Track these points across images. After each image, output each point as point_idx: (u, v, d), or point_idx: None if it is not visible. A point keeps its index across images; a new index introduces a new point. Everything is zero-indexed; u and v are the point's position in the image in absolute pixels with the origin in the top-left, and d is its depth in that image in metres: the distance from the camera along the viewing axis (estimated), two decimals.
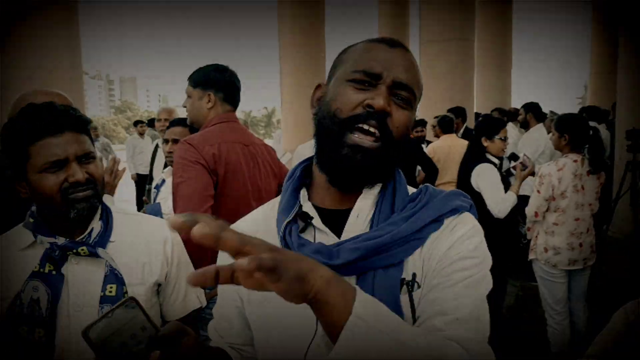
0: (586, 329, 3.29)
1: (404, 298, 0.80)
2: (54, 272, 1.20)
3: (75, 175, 1.17)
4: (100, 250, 1.22)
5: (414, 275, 0.80)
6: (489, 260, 0.86)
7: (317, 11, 9.73)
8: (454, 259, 0.81)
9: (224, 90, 2.19)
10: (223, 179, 2.05)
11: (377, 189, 0.90)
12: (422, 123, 6.70)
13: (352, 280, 0.82)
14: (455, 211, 0.86)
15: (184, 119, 2.83)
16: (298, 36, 9.43)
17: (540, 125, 5.82)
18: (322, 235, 0.87)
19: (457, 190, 0.92)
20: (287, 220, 0.87)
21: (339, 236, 0.86)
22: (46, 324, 1.16)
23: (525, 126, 5.83)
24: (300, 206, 0.90)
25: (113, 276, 1.21)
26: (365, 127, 0.82)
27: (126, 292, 1.21)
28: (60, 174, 1.18)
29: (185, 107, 2.26)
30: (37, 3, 4.39)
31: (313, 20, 9.62)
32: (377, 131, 0.82)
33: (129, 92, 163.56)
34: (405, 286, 0.80)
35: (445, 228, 0.85)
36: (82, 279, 1.21)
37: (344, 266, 0.79)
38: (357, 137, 0.82)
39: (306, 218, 0.87)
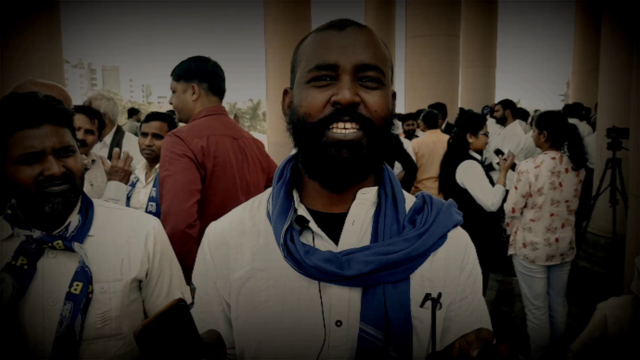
0: (565, 324, 3.35)
1: (422, 313, 0.81)
2: (25, 267, 1.18)
3: (51, 169, 1.15)
4: (75, 245, 1.20)
5: (440, 294, 0.77)
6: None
7: (302, 1, 9.68)
8: (467, 283, 0.88)
9: (208, 80, 2.16)
10: (211, 173, 2.02)
11: (372, 192, 0.86)
12: (413, 116, 6.72)
13: (357, 291, 0.80)
14: (455, 225, 0.87)
15: (162, 113, 2.80)
16: (283, 26, 9.36)
17: (517, 121, 5.94)
18: (319, 240, 0.83)
19: (452, 202, 0.91)
20: (287, 225, 0.82)
21: (334, 241, 0.83)
22: (6, 317, 1.14)
23: (502, 122, 5.93)
24: (295, 209, 0.86)
25: (82, 273, 1.18)
26: (341, 125, 0.77)
27: (91, 292, 1.18)
28: (36, 166, 1.15)
29: (171, 103, 2.22)
30: None
31: (299, 10, 9.57)
32: (354, 124, 0.77)
33: (111, 81, 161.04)
34: (429, 302, 0.78)
35: (447, 243, 0.86)
36: (57, 273, 1.20)
37: (354, 278, 0.77)
38: (338, 133, 0.77)
39: (302, 222, 0.83)
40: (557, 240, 3.12)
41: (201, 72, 2.15)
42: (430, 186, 4.73)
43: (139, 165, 2.80)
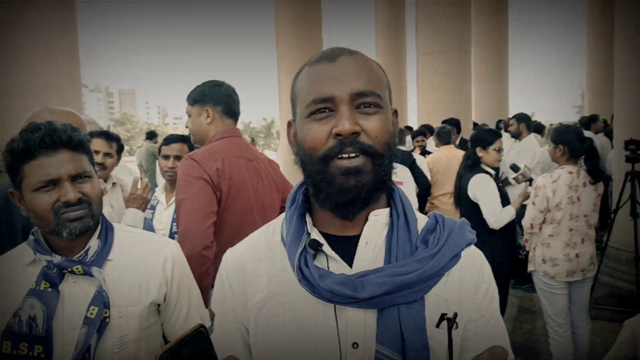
0: (589, 340, 3.26)
1: (439, 333, 0.81)
2: (49, 290, 1.20)
3: (67, 195, 1.18)
4: (94, 270, 1.21)
5: (456, 314, 0.77)
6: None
7: (314, 24, 9.80)
8: (484, 302, 0.89)
9: (222, 103, 2.19)
10: (227, 195, 2.04)
11: (383, 214, 0.87)
12: (423, 133, 6.72)
13: (372, 313, 0.81)
14: (468, 244, 0.87)
15: (181, 135, 2.84)
16: (295, 48, 9.48)
17: (532, 135, 5.87)
18: (333, 263, 0.84)
19: (465, 221, 0.91)
20: (300, 249, 0.83)
21: (348, 264, 0.84)
22: (44, 341, 1.17)
23: (516, 136, 5.87)
24: (308, 234, 0.87)
25: (100, 298, 1.20)
26: (344, 156, 0.79)
27: (108, 316, 1.19)
28: (53, 193, 1.18)
29: (187, 127, 2.26)
30: (35, 17, 4.41)
31: (310, 32, 9.69)
32: (357, 153, 0.79)
33: (128, 104, 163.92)
34: (445, 322, 0.78)
35: (460, 263, 0.86)
36: (77, 298, 1.21)
37: (368, 300, 0.78)
38: (344, 161, 0.79)
39: (316, 246, 0.84)
40: (577, 255, 3.06)
41: (215, 96, 2.18)
42: (445, 202, 4.69)
43: (158, 187, 2.84)
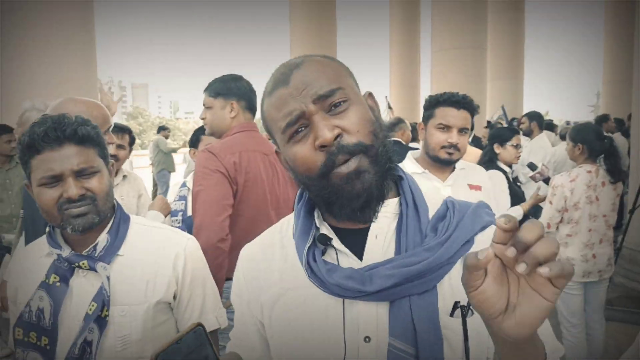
0: (603, 341, 3.23)
1: (453, 322, 0.78)
2: (58, 284, 1.19)
3: (68, 192, 1.15)
4: (98, 266, 1.19)
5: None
6: None
7: (328, 18, 9.78)
8: None
9: (245, 98, 2.21)
10: (243, 188, 2.05)
11: (392, 204, 0.86)
12: None
13: (384, 306, 0.80)
14: (484, 228, 0.84)
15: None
16: (309, 44, 9.46)
17: (543, 134, 5.84)
18: (343, 257, 0.84)
19: (482, 203, 0.88)
20: (308, 244, 0.83)
21: (358, 256, 0.83)
22: (50, 333, 1.17)
23: (528, 134, 5.83)
24: (317, 228, 0.86)
25: (100, 295, 1.18)
26: (343, 168, 0.77)
27: (107, 314, 1.17)
28: (57, 188, 1.16)
29: (203, 118, 2.26)
30: (53, 12, 4.44)
31: (324, 26, 9.66)
32: (347, 156, 0.77)
33: (140, 98, 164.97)
34: (459, 310, 0.77)
35: (475, 247, 0.82)
36: (85, 292, 1.20)
37: (377, 293, 0.77)
38: (342, 168, 0.77)
39: (325, 240, 0.84)
40: (594, 256, 3.03)
41: (239, 90, 2.20)
42: None
43: (188, 177, 2.85)
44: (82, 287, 1.20)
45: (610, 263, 3.09)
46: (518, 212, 3.22)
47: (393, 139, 4.42)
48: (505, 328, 0.58)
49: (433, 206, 0.88)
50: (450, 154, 2.06)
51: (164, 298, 1.26)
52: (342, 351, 0.80)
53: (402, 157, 4.24)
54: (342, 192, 0.78)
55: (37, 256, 1.27)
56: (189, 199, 2.70)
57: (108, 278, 1.19)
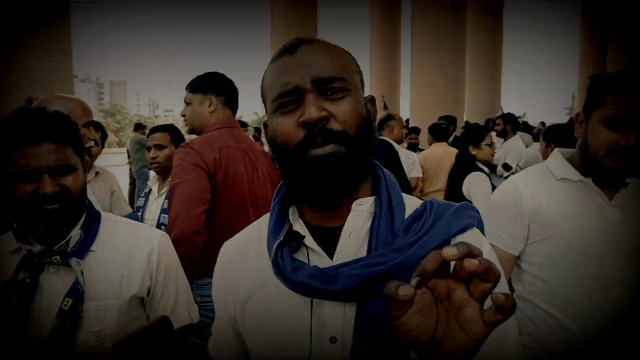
0: None
1: None
2: (27, 280, 1.17)
3: (43, 188, 1.14)
4: (72, 261, 1.18)
5: None
6: None
7: (309, 17, 9.78)
8: None
9: (224, 94, 2.20)
10: (222, 185, 2.04)
11: (368, 203, 0.83)
12: (416, 130, 6.75)
13: (352, 307, 0.78)
14: (463, 230, 0.81)
15: (163, 125, 2.87)
16: (290, 40, 9.45)
17: (517, 135, 5.96)
18: (314, 255, 0.82)
19: (465, 204, 0.86)
20: (278, 242, 0.82)
21: (330, 255, 0.81)
22: (18, 331, 1.15)
23: (502, 135, 5.95)
24: (291, 225, 0.85)
25: (75, 290, 1.16)
26: (318, 151, 0.76)
27: (81, 310, 1.16)
28: (32, 184, 1.15)
29: (183, 115, 2.24)
30: (28, 7, 4.36)
31: (305, 26, 9.66)
32: (328, 140, 0.76)
33: (119, 95, 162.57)
34: None
35: None
36: (56, 288, 1.18)
37: (343, 292, 0.75)
38: (317, 150, 0.76)
39: (297, 238, 0.82)
40: None
41: (218, 86, 2.19)
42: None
43: (152, 176, 2.83)
44: (53, 283, 1.19)
45: None
46: None
47: (380, 137, 4.27)
48: None
49: (413, 206, 0.86)
50: (620, 161, 1.35)
51: (138, 293, 1.26)
52: (307, 352, 0.79)
53: (390, 158, 4.16)
54: (310, 172, 0.77)
55: (4, 252, 1.24)
56: (150, 198, 2.69)
57: (82, 273, 1.18)
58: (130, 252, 1.28)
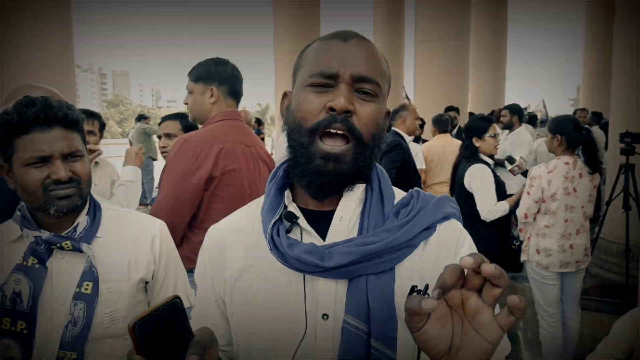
0: (578, 331, 3.30)
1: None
2: (37, 266, 1.20)
3: (57, 173, 1.17)
4: (84, 246, 1.22)
5: (427, 285, 0.79)
6: None
7: (312, 7, 9.70)
8: None
9: (227, 83, 2.14)
10: (220, 179, 2.01)
11: (359, 190, 0.88)
12: (420, 122, 6.71)
13: (343, 284, 0.82)
14: (446, 218, 0.88)
15: (173, 113, 2.83)
16: (292, 30, 9.39)
17: (523, 126, 5.92)
18: (308, 236, 0.86)
19: (446, 196, 0.92)
20: (274, 219, 0.86)
21: (323, 238, 0.85)
22: (28, 317, 1.17)
23: (508, 127, 5.90)
24: (285, 207, 0.89)
25: (90, 273, 1.20)
26: (332, 131, 0.80)
27: (96, 292, 1.20)
28: (44, 169, 1.18)
29: (186, 103, 2.20)
30: None
31: (308, 15, 9.59)
32: (344, 132, 0.80)
33: (121, 86, 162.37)
34: (415, 293, 0.79)
35: (437, 235, 0.86)
36: (66, 273, 1.22)
37: (336, 269, 0.79)
38: (326, 145, 0.81)
39: (292, 218, 0.86)
40: (571, 246, 3.08)
41: (221, 75, 2.13)
42: (439, 191, 4.69)
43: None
44: (62, 268, 1.22)
45: (587, 254, 3.15)
46: (504, 207, 3.24)
47: (392, 129, 4.20)
48: None
49: (400, 196, 0.92)
50: None
51: (144, 276, 1.31)
52: (303, 327, 0.81)
53: (400, 149, 4.07)
54: (312, 163, 0.82)
55: (5, 241, 1.25)
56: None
57: (93, 257, 1.22)
58: (134, 237, 1.32)
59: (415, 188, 0.93)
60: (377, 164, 0.92)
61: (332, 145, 0.80)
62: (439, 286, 0.58)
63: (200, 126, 2.24)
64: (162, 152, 2.72)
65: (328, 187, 0.84)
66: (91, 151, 2.51)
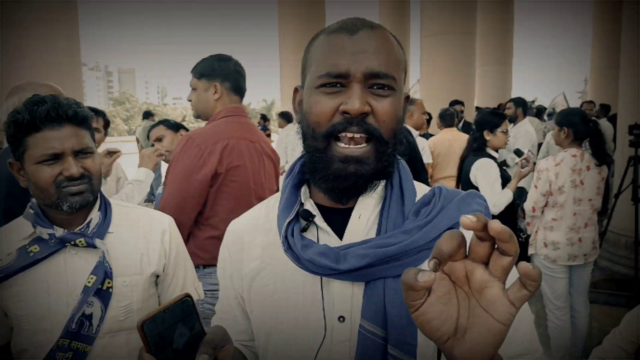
0: (587, 324, 3.28)
1: None
2: (36, 250, 1.22)
3: (70, 170, 1.19)
4: (97, 241, 1.24)
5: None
6: None
7: (317, 2, 9.67)
8: None
9: (230, 79, 2.14)
10: (225, 176, 2.01)
11: (378, 187, 0.84)
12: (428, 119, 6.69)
13: (360, 287, 0.78)
14: None
15: (157, 122, 2.94)
16: (298, 25, 9.37)
17: (527, 119, 5.92)
18: (324, 235, 0.83)
19: (473, 192, 0.86)
20: (289, 219, 0.82)
21: (340, 236, 0.82)
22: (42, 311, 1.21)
23: (513, 120, 5.90)
24: (302, 204, 0.86)
25: (100, 268, 1.22)
26: (349, 135, 0.76)
27: (111, 286, 1.22)
28: (56, 166, 1.19)
29: (190, 100, 2.21)
30: None
31: (313, 8, 9.57)
32: (362, 134, 0.76)
33: (127, 83, 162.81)
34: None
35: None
36: (79, 269, 1.23)
37: (351, 272, 0.75)
38: (344, 148, 0.76)
39: (308, 216, 0.83)
40: (579, 240, 3.06)
41: (224, 71, 2.13)
42: (446, 185, 4.67)
43: None
44: (76, 264, 1.24)
45: (595, 247, 3.13)
46: (508, 195, 3.23)
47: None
48: (456, 355, 0.53)
49: (422, 192, 0.87)
50: None
51: (156, 270, 1.34)
52: (322, 329, 0.79)
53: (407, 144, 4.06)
54: (332, 167, 0.77)
55: (18, 238, 1.26)
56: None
57: (107, 252, 1.23)
58: (145, 232, 1.35)
59: (439, 184, 0.88)
60: (398, 157, 0.87)
61: (352, 148, 0.76)
62: (435, 256, 0.50)
63: (185, 122, 2.26)
64: (159, 156, 2.78)
65: (352, 190, 0.80)
66: (111, 152, 2.56)
